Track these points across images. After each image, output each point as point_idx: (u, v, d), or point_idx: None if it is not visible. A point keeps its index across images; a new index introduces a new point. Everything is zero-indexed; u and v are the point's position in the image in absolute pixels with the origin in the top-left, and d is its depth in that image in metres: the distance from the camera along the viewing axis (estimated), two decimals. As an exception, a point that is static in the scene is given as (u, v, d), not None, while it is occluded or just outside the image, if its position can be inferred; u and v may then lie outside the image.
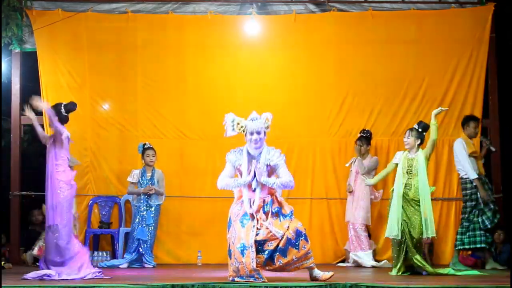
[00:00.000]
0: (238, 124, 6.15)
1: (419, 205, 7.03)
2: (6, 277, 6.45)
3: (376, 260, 8.38)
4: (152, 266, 8.12)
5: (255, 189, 6.08)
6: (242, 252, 5.90)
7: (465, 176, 8.09)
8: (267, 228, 5.97)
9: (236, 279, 5.92)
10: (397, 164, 7.27)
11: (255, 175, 6.07)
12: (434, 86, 9.14)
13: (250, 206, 6.06)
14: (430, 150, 7.22)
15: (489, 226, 8.00)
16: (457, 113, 9.01)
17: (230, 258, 6.02)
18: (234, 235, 6.02)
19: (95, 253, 8.70)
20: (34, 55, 9.16)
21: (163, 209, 8.59)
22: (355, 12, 9.38)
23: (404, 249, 7.05)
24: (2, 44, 8.58)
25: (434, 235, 7.04)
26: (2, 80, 8.57)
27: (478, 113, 9.04)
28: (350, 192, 8.58)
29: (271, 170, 6.19)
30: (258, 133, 6.10)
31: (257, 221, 6.01)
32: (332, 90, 9.24)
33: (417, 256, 7.01)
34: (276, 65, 9.31)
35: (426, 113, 9.00)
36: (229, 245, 6.06)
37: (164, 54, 9.24)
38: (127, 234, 8.60)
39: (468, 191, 8.10)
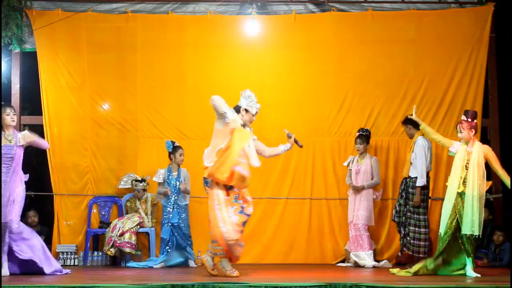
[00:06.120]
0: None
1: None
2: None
3: (376, 260, 8.37)
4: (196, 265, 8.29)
5: None
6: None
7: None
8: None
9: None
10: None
11: None
12: (434, 86, 9.14)
13: None
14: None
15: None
16: (457, 113, 9.00)
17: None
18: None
19: (95, 253, 8.71)
20: (34, 55, 9.16)
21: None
22: (355, 12, 9.38)
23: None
24: (2, 44, 8.59)
25: (477, 233, 6.71)
26: (2, 80, 8.56)
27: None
28: (354, 189, 8.50)
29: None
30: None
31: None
32: (332, 90, 9.24)
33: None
34: (275, 65, 9.30)
35: (426, 113, 9.03)
36: None
37: (164, 54, 9.24)
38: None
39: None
